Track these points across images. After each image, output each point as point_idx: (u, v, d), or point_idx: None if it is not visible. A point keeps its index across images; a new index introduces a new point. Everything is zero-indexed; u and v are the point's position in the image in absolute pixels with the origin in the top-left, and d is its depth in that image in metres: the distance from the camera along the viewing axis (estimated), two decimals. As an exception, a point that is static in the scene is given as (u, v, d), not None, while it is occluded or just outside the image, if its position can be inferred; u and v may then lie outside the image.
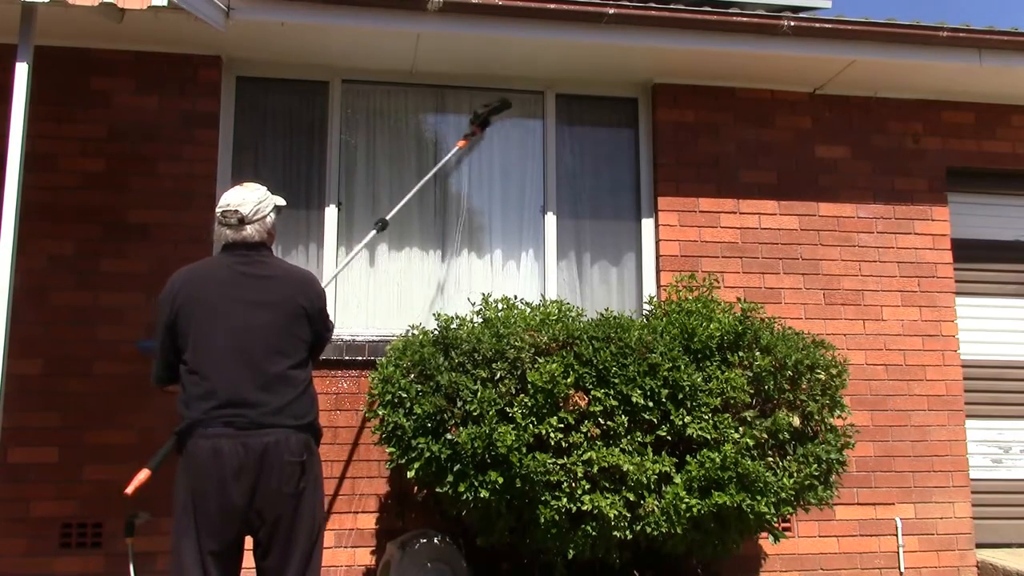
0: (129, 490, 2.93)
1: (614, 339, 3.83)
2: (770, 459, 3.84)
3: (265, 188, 3.00)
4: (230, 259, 2.87)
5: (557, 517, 3.61)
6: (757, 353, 3.97)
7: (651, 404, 3.74)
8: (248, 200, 2.89)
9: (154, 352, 2.89)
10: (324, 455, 4.45)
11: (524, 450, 3.58)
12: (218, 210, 2.90)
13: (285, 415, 2.70)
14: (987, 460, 5.27)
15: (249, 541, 2.72)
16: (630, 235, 5.15)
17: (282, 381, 2.74)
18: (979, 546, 5.02)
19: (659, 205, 5.04)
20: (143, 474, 2.96)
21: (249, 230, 2.88)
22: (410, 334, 4.10)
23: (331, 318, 3.16)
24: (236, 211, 2.86)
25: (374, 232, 4.64)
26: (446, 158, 4.88)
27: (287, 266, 3.02)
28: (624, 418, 3.71)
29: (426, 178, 4.79)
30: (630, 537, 3.69)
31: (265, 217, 2.93)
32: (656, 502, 3.66)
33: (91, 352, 4.34)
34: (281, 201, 3.05)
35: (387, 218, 4.64)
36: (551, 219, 5.08)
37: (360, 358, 4.61)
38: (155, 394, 3.00)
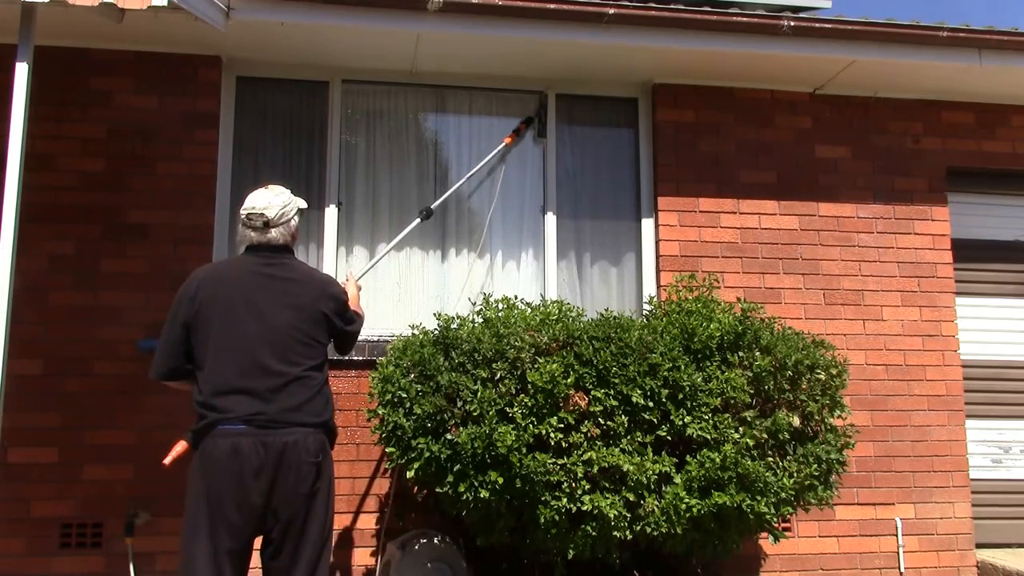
0: (167, 461, 2.89)
1: (614, 339, 3.83)
2: (770, 459, 3.84)
3: (289, 191, 3.04)
4: (254, 260, 2.90)
5: (557, 517, 3.61)
6: (757, 353, 3.97)
7: (651, 404, 3.74)
8: (274, 204, 2.93)
9: (155, 347, 2.89)
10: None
11: (524, 450, 3.57)
12: (243, 212, 2.93)
13: (302, 415, 2.74)
14: (987, 460, 5.27)
15: (257, 541, 2.73)
16: (630, 235, 5.15)
17: (300, 382, 2.77)
18: (979, 546, 5.02)
19: (659, 205, 5.04)
20: (180, 446, 2.90)
21: (274, 233, 2.92)
22: (410, 334, 4.10)
23: (352, 311, 3.15)
24: (262, 214, 2.90)
25: (418, 220, 4.76)
26: (499, 147, 5.00)
27: (308, 269, 3.06)
28: (624, 418, 3.71)
29: (483, 162, 4.93)
30: (630, 537, 3.69)
31: (290, 220, 2.98)
32: (656, 502, 3.66)
33: (91, 352, 4.34)
34: (303, 204, 3.09)
35: (432, 207, 4.77)
36: (551, 219, 5.08)
37: (360, 358, 4.61)
38: (155, 394, 3.00)
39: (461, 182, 4.89)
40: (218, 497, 2.61)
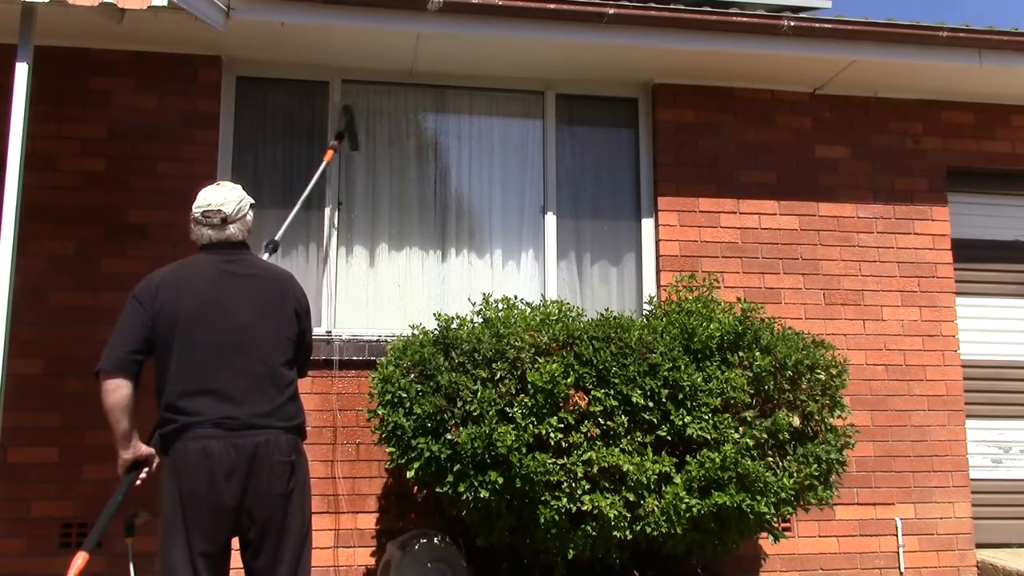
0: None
1: (614, 339, 3.83)
2: (770, 459, 3.84)
3: (240, 187, 2.97)
4: (214, 259, 2.83)
5: (557, 517, 3.61)
6: (757, 353, 3.97)
7: (651, 404, 3.74)
8: (230, 199, 2.87)
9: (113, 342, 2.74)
10: (324, 455, 4.48)
11: (524, 450, 3.57)
12: (197, 210, 2.85)
13: (275, 417, 2.69)
14: (987, 460, 5.27)
15: (235, 542, 2.71)
16: (630, 235, 5.15)
17: (272, 380, 2.72)
18: (979, 546, 5.02)
19: (659, 205, 5.04)
20: (81, 559, 2.84)
21: (232, 229, 2.86)
22: (410, 334, 4.10)
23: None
24: (219, 211, 2.83)
25: (267, 255, 4.33)
26: (322, 166, 4.68)
27: (271, 265, 3.01)
28: (624, 418, 3.71)
29: (311, 184, 4.59)
30: (630, 537, 3.69)
31: (246, 216, 2.91)
32: (656, 502, 3.66)
33: (91, 352, 4.27)
34: (252, 200, 2.99)
35: (277, 239, 4.38)
36: (551, 219, 5.08)
37: (360, 358, 4.61)
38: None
39: (298, 205, 4.53)
40: (191, 500, 2.58)
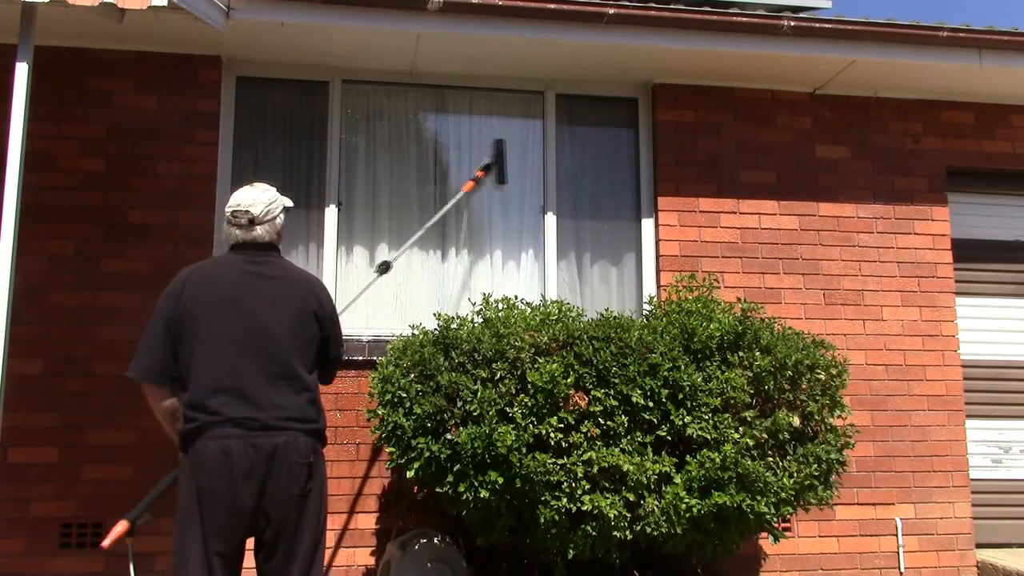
0: (106, 543, 2.85)
1: (614, 339, 3.84)
2: (770, 459, 3.84)
3: (275, 189, 2.99)
4: (240, 259, 2.85)
5: (557, 517, 3.61)
6: (757, 353, 3.97)
7: (651, 404, 3.74)
8: (259, 201, 2.88)
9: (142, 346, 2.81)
10: (324, 455, 4.48)
11: (524, 450, 3.58)
12: (228, 210, 2.89)
13: (294, 419, 2.70)
14: (987, 460, 5.27)
15: (250, 542, 2.72)
16: (630, 235, 5.15)
17: (291, 383, 2.72)
18: (979, 546, 5.02)
19: (659, 205, 5.04)
20: (121, 526, 2.87)
21: (259, 231, 2.87)
22: (410, 334, 4.10)
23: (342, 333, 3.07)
24: (247, 211, 2.85)
25: (376, 276, 4.46)
26: (457, 197, 4.69)
27: (297, 268, 3.01)
28: (624, 418, 3.71)
29: (440, 213, 4.64)
30: (630, 537, 3.69)
31: (275, 218, 2.92)
32: (656, 502, 3.66)
33: (91, 352, 4.34)
34: (289, 202, 3.03)
35: (391, 260, 4.48)
36: (551, 219, 5.08)
37: (360, 358, 4.61)
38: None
39: (423, 230, 4.56)
40: (209, 499, 2.58)
